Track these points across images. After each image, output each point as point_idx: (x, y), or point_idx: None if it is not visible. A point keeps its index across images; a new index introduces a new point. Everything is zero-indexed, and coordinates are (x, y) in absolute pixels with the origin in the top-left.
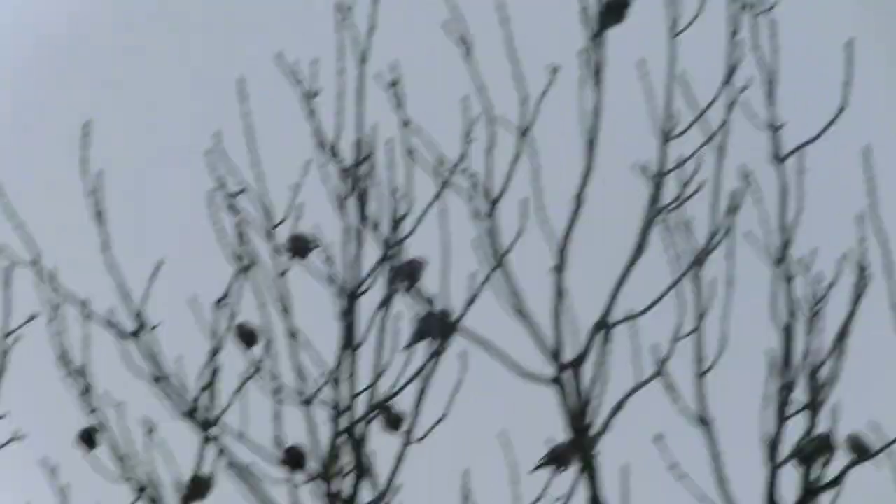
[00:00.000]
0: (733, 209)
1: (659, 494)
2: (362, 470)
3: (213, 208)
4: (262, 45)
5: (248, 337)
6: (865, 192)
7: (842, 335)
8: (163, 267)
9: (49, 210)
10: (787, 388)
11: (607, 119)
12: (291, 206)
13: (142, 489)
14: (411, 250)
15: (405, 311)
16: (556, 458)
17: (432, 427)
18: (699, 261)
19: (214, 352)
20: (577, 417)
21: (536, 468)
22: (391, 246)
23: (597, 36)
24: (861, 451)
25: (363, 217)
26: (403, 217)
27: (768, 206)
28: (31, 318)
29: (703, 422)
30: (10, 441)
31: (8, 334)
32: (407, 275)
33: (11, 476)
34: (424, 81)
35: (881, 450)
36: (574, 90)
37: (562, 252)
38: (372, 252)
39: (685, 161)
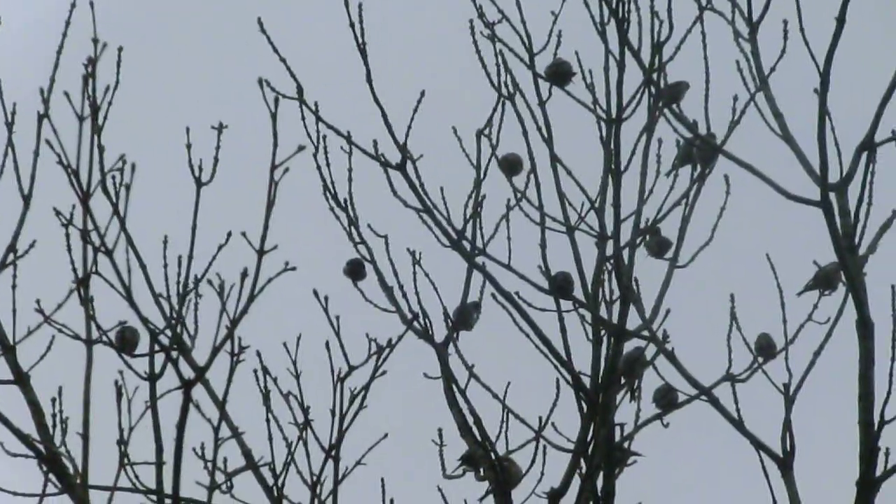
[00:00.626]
0: None
1: None
2: (628, 296)
3: (474, 38)
4: None
5: (511, 166)
6: None
7: None
8: (425, 98)
9: (311, 43)
10: None
11: None
12: (551, 33)
13: (410, 319)
14: (673, 75)
15: (668, 135)
16: (823, 281)
17: (697, 252)
18: None
19: (478, 182)
20: (844, 239)
21: (803, 291)
22: (652, 71)
23: None
24: None
25: (624, 43)
26: (664, 42)
27: None
28: (298, 151)
29: None
30: (282, 272)
31: (275, 167)
32: (670, 98)
33: (284, 306)
34: None
35: None
36: None
37: (825, 73)
38: (633, 77)
39: None
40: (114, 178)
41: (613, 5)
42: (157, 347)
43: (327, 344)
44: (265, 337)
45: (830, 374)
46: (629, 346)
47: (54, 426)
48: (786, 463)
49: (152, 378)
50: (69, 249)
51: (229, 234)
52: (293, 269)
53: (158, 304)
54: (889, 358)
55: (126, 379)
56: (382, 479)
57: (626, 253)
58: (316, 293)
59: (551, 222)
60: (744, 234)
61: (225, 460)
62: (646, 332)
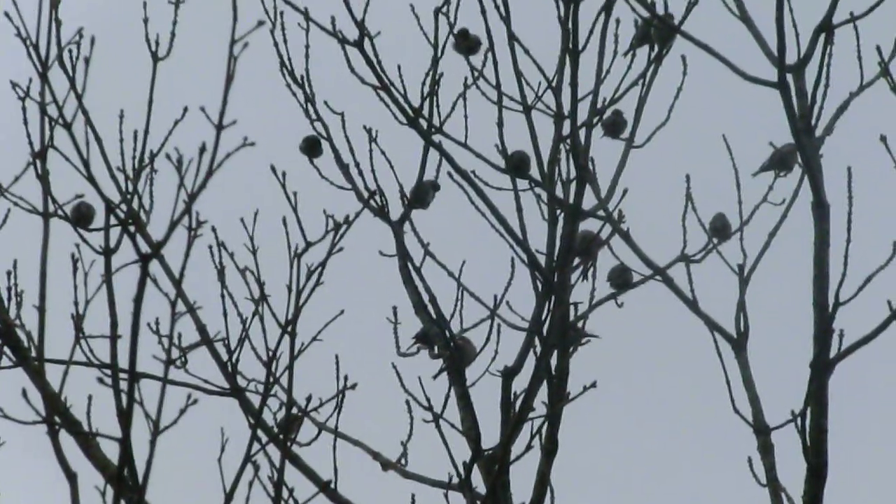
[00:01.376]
0: None
1: (883, 196)
2: (584, 176)
3: None
4: None
5: (468, 44)
6: None
7: None
8: None
9: None
10: None
11: None
12: None
13: (366, 197)
14: None
15: (627, 15)
16: (779, 162)
17: (654, 132)
18: None
19: (435, 60)
20: (801, 120)
21: (759, 172)
22: None
23: None
24: None
25: None
26: None
27: None
28: (257, 27)
29: None
30: (240, 147)
31: (234, 42)
32: None
33: (243, 182)
34: None
35: None
36: None
37: None
38: None
39: None
40: (71, 51)
41: None
42: (113, 221)
43: (284, 220)
44: (222, 213)
45: (785, 256)
46: (585, 225)
47: (9, 299)
48: (740, 343)
49: (108, 252)
50: (26, 123)
51: (185, 109)
52: (252, 144)
53: (114, 178)
54: (844, 240)
55: (82, 253)
56: (337, 356)
57: (582, 132)
58: (273, 169)
59: (508, 101)
60: (700, 115)
61: (180, 336)
62: (601, 212)
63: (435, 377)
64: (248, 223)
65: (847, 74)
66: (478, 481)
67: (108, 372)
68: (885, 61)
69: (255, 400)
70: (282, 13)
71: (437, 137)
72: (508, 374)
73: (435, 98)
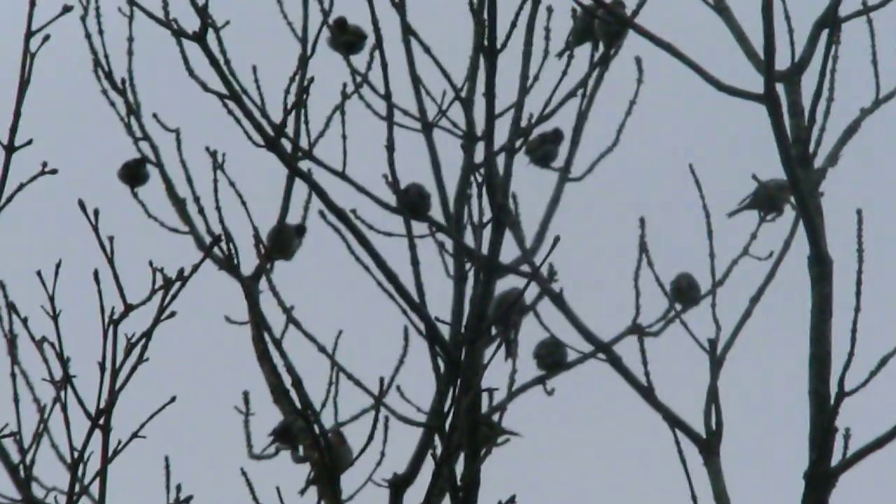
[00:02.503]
0: None
1: None
2: (503, 218)
3: None
4: None
5: (349, 38)
6: None
7: None
8: None
9: None
10: None
11: None
12: None
13: (209, 243)
14: None
15: (562, 2)
16: (765, 201)
17: (597, 160)
18: None
19: (304, 60)
20: (795, 146)
21: (736, 211)
22: None
23: None
24: None
25: None
26: None
27: None
28: (63, 13)
29: None
30: (37, 175)
31: (31, 34)
32: None
33: (41, 222)
34: None
35: None
36: None
37: None
38: None
39: None
40: None
41: None
42: None
43: (96, 274)
44: (12, 263)
45: (773, 328)
46: (503, 284)
47: None
48: (710, 445)
49: None
50: None
51: None
52: (53, 171)
53: None
54: (852, 308)
55: None
56: (167, 458)
57: (501, 159)
58: (82, 205)
59: (402, 116)
60: (660, 137)
61: None
62: (526, 267)
63: (302, 491)
64: (47, 277)
65: (858, 85)
66: None
67: None
68: None
69: None
70: None
71: (304, 164)
72: (398, 484)
73: (303, 111)
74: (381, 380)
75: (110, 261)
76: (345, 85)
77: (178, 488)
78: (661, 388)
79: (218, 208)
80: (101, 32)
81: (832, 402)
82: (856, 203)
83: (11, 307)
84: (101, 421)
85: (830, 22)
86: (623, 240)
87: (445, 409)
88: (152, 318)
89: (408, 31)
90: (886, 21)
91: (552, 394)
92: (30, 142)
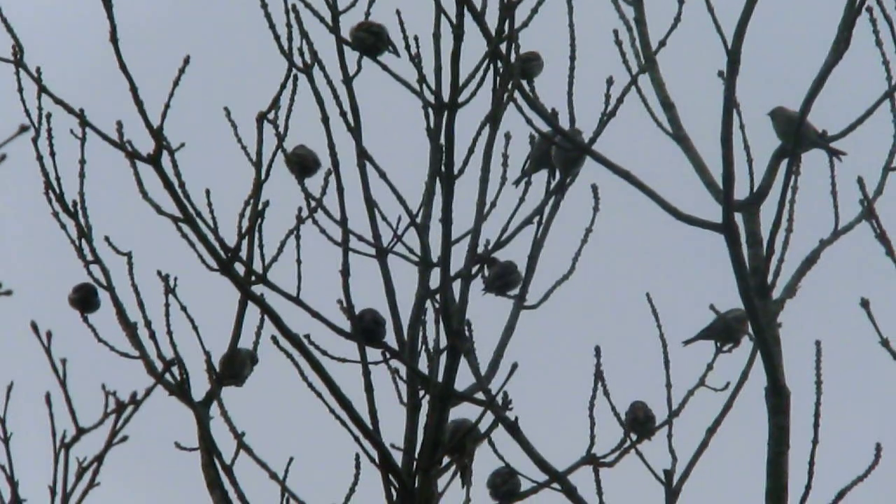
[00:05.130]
0: None
1: (862, 380)
2: (458, 345)
3: None
4: None
5: (304, 163)
6: None
7: None
8: (191, 66)
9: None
10: None
11: None
12: None
13: (161, 369)
14: (527, 46)
15: (520, 129)
16: (722, 332)
17: (553, 287)
18: None
19: (259, 183)
20: (753, 276)
21: (692, 340)
22: (500, 40)
23: None
24: None
25: (463, 1)
26: (518, 2)
27: None
28: (18, 133)
29: None
30: None
31: None
32: (522, 77)
33: None
34: None
35: None
36: None
37: (733, 50)
38: (474, 49)
39: None
40: None
41: None
42: None
43: (48, 397)
44: None
45: (729, 460)
46: (457, 412)
47: None
48: None
49: None
50: None
51: None
52: (7, 293)
53: None
54: (809, 440)
55: None
56: None
57: (457, 286)
58: (35, 327)
59: (357, 242)
60: (616, 265)
61: None
62: (480, 395)
63: None
64: None
65: (817, 215)
66: None
67: None
68: (869, 198)
69: None
70: (49, 115)
71: (258, 288)
72: None
73: (257, 235)
74: None
75: (62, 384)
76: (300, 209)
77: None
78: None
79: (169, 332)
80: (52, 154)
81: None
82: (814, 335)
83: None
84: None
85: (790, 152)
86: (579, 368)
87: None
88: (104, 442)
89: (363, 156)
90: (846, 149)
91: None
92: None
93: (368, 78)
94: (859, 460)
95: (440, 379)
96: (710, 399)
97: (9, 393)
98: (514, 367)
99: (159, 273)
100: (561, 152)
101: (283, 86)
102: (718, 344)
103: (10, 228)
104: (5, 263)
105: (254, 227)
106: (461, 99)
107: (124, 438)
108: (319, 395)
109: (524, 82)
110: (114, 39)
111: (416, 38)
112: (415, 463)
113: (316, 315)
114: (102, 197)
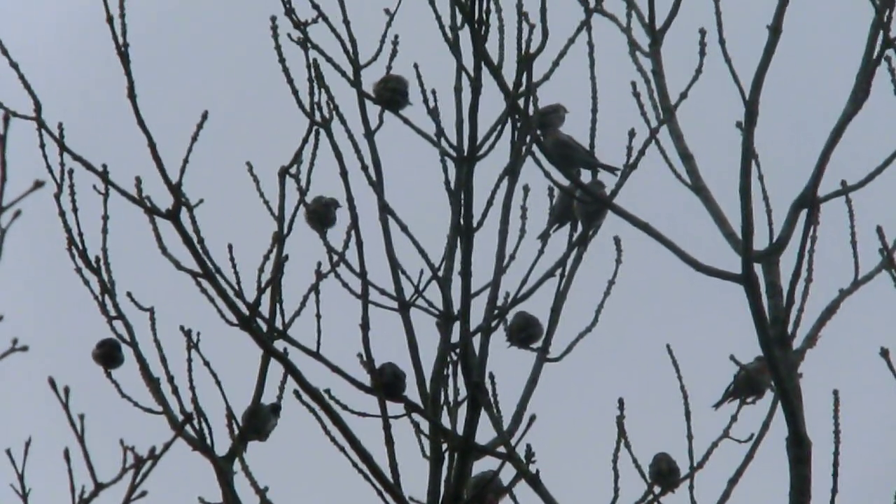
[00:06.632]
0: None
1: (882, 429)
2: (479, 398)
3: (278, 43)
4: None
5: (324, 217)
6: None
7: None
8: (210, 121)
9: (56, 44)
10: None
11: None
12: (384, 39)
13: (182, 422)
14: (546, 99)
15: (539, 182)
16: (745, 385)
17: (576, 340)
18: None
19: (280, 238)
20: (773, 327)
21: (722, 401)
22: (519, 94)
23: None
24: None
25: (481, 55)
26: (536, 54)
27: None
28: (34, 188)
29: None
30: (7, 353)
31: (1, 209)
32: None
33: (9, 399)
34: None
35: None
36: None
37: (751, 101)
38: (493, 102)
39: None
40: None
41: (467, 4)
42: None
43: (67, 453)
44: None
45: None
46: (479, 466)
47: None
48: None
49: None
50: None
51: None
52: (24, 349)
53: None
54: (829, 490)
55: None
56: None
57: (477, 339)
58: (53, 383)
59: (378, 296)
60: (639, 317)
61: None
62: (502, 448)
63: None
64: (16, 456)
65: (836, 265)
66: None
67: None
68: (889, 248)
69: None
70: (70, 171)
71: (279, 344)
72: None
73: (277, 291)
74: None
75: (81, 439)
76: (320, 263)
77: None
78: None
79: (192, 388)
80: (75, 210)
81: None
82: (834, 384)
83: None
84: None
85: (809, 202)
86: (601, 420)
87: None
88: (123, 498)
89: (385, 210)
90: (865, 200)
91: None
92: (0, 318)
93: (386, 131)
94: None
95: (461, 432)
96: (732, 450)
97: (27, 448)
98: (533, 418)
99: (182, 328)
100: (582, 204)
101: (305, 140)
102: (742, 397)
103: (31, 284)
104: (24, 320)
105: (274, 282)
106: (480, 152)
107: (143, 494)
108: (341, 449)
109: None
110: (131, 95)
111: (433, 92)
112: None
113: (336, 370)
114: (124, 252)
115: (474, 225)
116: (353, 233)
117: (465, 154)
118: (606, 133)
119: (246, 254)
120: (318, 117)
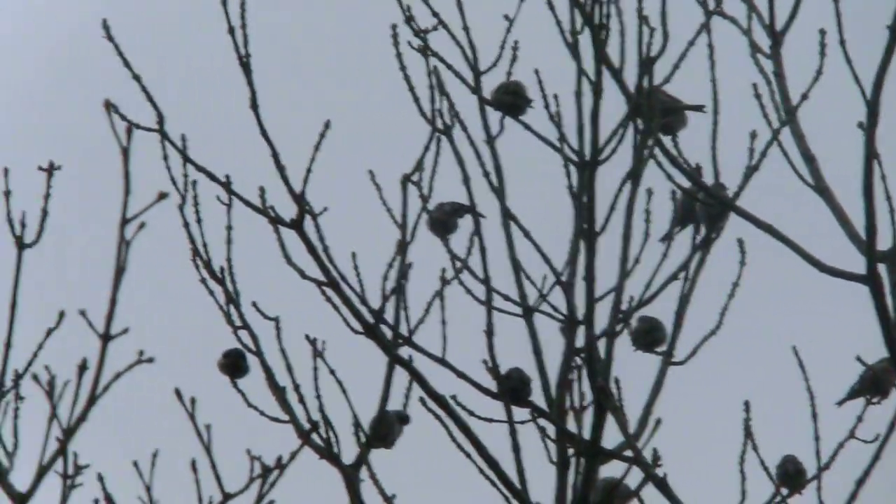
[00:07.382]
0: None
1: None
2: (605, 402)
3: (398, 51)
4: None
5: (446, 224)
6: None
7: None
8: (331, 131)
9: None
10: None
11: None
12: (504, 45)
13: (308, 431)
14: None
15: (662, 185)
16: (871, 384)
17: (700, 343)
18: None
19: (403, 245)
20: None
21: (846, 399)
22: (641, 97)
23: None
24: None
25: (602, 59)
26: (657, 57)
27: None
28: (158, 200)
29: None
30: (133, 364)
31: (126, 221)
32: (664, 133)
33: (137, 411)
34: None
35: None
36: None
37: (873, 101)
38: (615, 106)
39: None
40: None
41: (588, 8)
42: None
43: (194, 463)
44: (109, 453)
45: None
46: (606, 470)
47: None
48: None
49: None
50: None
51: (62, 315)
52: (150, 360)
53: None
54: None
55: None
56: None
57: (602, 344)
58: (179, 394)
59: (502, 301)
60: (763, 319)
61: None
62: (629, 452)
63: None
64: (144, 468)
65: None
66: None
67: None
68: None
69: None
70: (194, 183)
71: (404, 351)
72: None
73: (402, 297)
74: None
75: (207, 449)
76: (444, 270)
77: None
78: None
79: (318, 396)
80: (199, 221)
81: None
82: None
83: (109, 499)
84: None
85: None
86: (727, 423)
87: None
88: None
89: (507, 216)
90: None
91: None
92: (126, 330)
93: (507, 137)
94: None
95: (587, 437)
96: (859, 451)
97: (154, 460)
98: (658, 422)
99: (307, 337)
100: (705, 207)
101: (427, 147)
102: (867, 396)
103: (156, 296)
104: (149, 332)
105: (399, 289)
106: (602, 157)
107: (271, 503)
108: (468, 455)
109: (666, 137)
110: (254, 106)
111: (555, 97)
112: None
113: (462, 376)
114: (248, 262)
115: (597, 229)
116: (476, 239)
117: (588, 158)
118: (728, 135)
119: (369, 262)
120: (439, 124)
